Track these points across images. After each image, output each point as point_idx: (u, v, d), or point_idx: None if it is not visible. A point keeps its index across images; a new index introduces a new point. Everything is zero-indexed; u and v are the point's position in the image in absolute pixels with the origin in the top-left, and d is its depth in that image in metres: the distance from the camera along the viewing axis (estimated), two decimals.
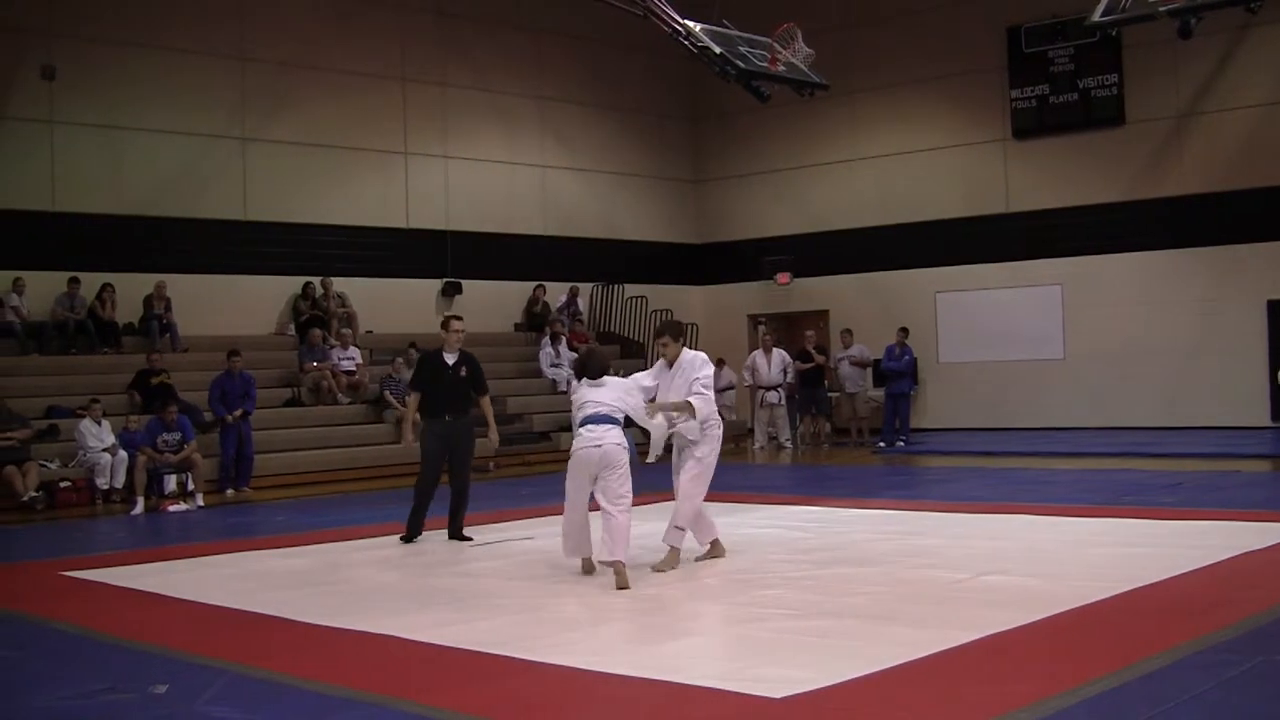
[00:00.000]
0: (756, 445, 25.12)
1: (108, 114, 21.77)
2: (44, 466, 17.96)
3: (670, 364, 10.99)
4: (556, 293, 27.36)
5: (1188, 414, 23.93)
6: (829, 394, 26.05)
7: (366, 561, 11.73)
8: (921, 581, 9.59)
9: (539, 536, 12.68)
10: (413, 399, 13.09)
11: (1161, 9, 16.95)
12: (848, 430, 26.14)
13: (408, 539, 12.73)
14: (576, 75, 28.34)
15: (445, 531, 12.88)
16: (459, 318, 13.37)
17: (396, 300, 25.12)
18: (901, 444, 23.91)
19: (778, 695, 6.39)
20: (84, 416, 18.34)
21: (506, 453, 22.45)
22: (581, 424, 10.26)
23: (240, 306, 23.05)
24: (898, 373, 24.41)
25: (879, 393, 25.27)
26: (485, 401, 13.45)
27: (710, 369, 11.07)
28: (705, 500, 10.88)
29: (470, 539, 12.75)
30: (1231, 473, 17.50)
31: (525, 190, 27.56)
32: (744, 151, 29.90)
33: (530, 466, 22.11)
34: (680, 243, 30.47)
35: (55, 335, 20.63)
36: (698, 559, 10.89)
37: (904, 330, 24.84)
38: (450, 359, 13.03)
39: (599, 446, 10.07)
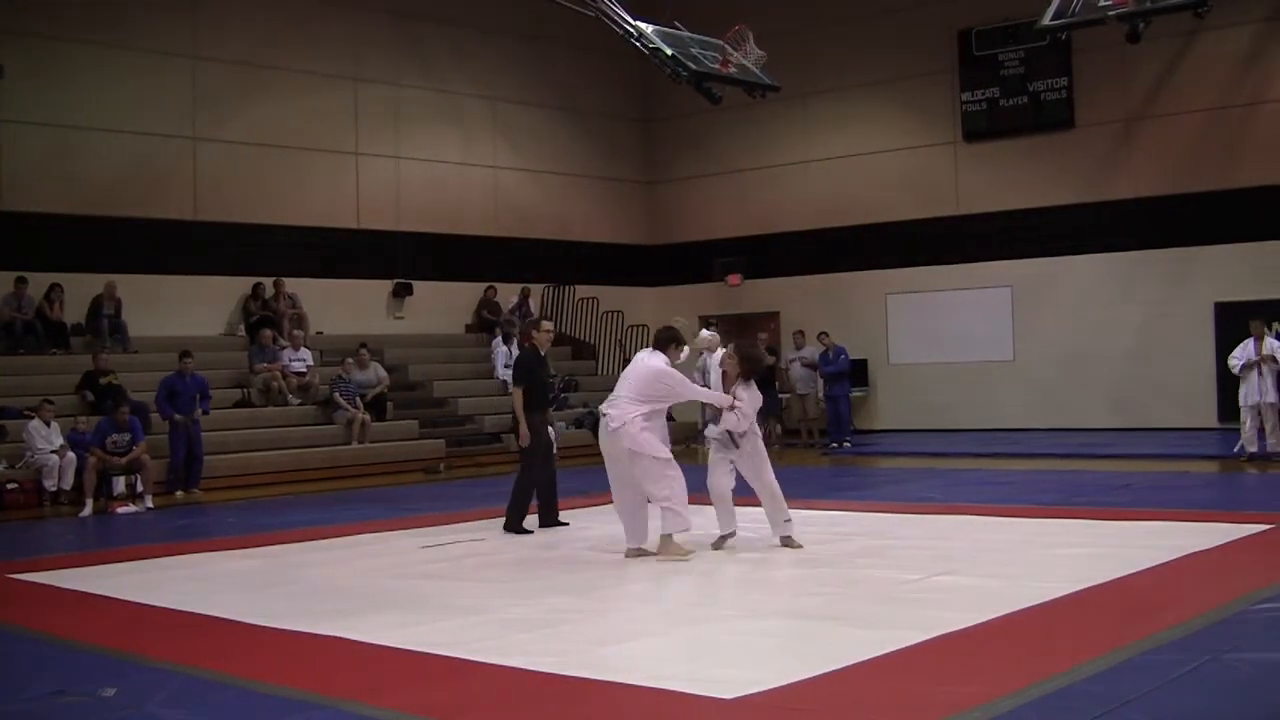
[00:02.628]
0: (706, 447, 25.12)
1: (57, 112, 21.56)
2: None
3: None
4: (507, 293, 27.29)
5: (1137, 415, 24.10)
6: (780, 395, 26.08)
7: (317, 563, 11.68)
8: (872, 582, 9.64)
9: (491, 538, 12.67)
10: (520, 395, 13.18)
11: (1111, 13, 17.06)
12: (798, 431, 26.19)
13: (560, 523, 13.21)
14: (529, 76, 28.29)
15: (401, 533, 12.81)
16: (549, 319, 14.07)
17: (347, 301, 25.04)
18: (848, 445, 23.99)
19: (729, 696, 6.41)
20: (32, 417, 18.18)
21: (458, 454, 22.45)
22: None
23: (190, 307, 22.88)
24: (836, 375, 24.50)
25: None
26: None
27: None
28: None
29: (566, 523, 13.36)
30: (1180, 473, 17.64)
31: (477, 191, 27.49)
32: (696, 153, 29.94)
33: (482, 468, 22.08)
34: (632, 244, 30.48)
35: (2, 335, 20.42)
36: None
37: (824, 334, 25.03)
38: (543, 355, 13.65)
39: None
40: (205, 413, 19.16)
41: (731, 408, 11.24)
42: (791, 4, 27.71)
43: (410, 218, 26.15)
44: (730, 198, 29.40)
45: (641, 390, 11.15)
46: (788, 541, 11.36)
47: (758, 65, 19.22)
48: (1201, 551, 10.49)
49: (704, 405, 11.95)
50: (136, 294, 21.87)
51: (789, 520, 11.45)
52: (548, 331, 13.84)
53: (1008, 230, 25.63)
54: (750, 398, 11.32)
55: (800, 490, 16.94)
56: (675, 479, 10.99)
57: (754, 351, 11.76)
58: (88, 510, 17.14)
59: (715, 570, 10.44)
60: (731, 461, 11.51)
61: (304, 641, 8.23)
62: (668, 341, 11.44)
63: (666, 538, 11.01)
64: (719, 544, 11.52)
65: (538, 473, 13.25)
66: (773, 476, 11.47)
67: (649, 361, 11.26)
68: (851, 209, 27.53)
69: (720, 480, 11.55)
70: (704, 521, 11.68)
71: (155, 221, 22.63)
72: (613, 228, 30.09)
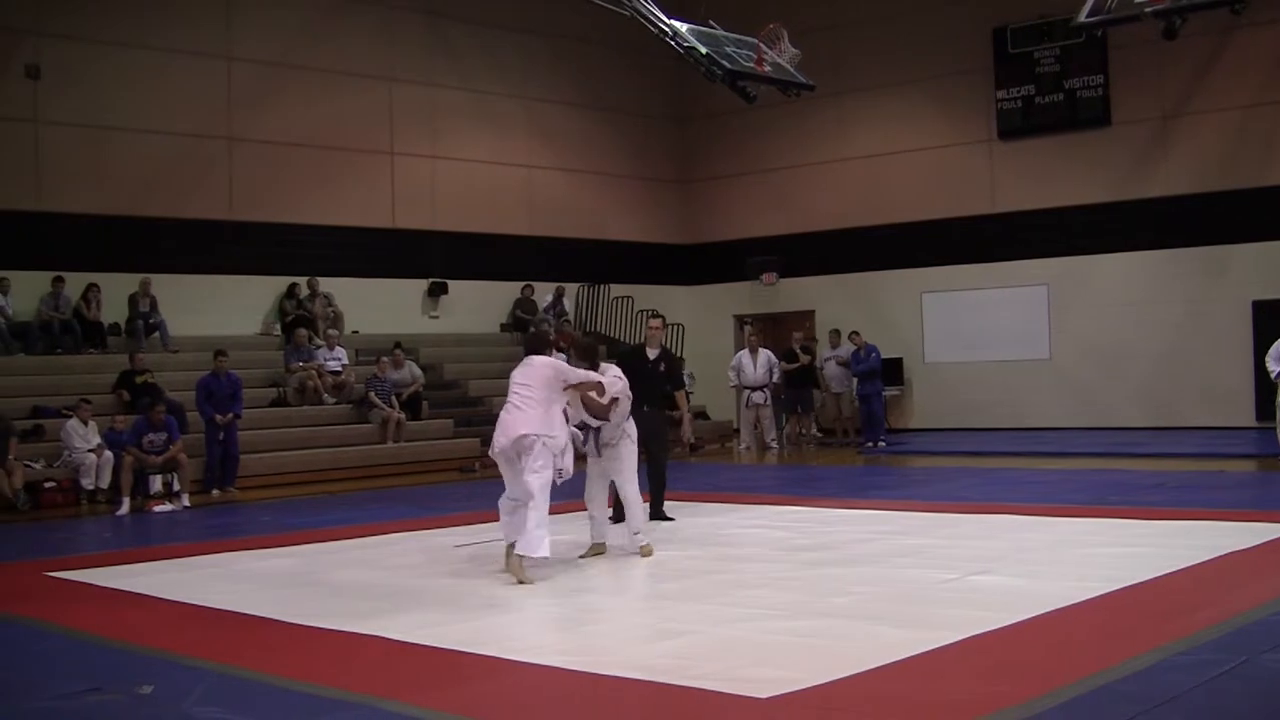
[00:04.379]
0: (742, 445, 25.13)
1: (93, 113, 21.70)
2: (29, 467, 17.92)
3: None
4: (542, 293, 27.34)
5: (1173, 414, 23.99)
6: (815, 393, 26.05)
7: (352, 562, 11.71)
8: (907, 581, 9.60)
9: None
10: None
11: (1147, 10, 17.01)
12: (834, 430, 26.16)
13: (666, 517, 13.26)
14: (563, 76, 28.32)
15: (435, 532, 12.84)
16: (658, 315, 14.47)
17: (382, 300, 25.10)
18: (883, 444, 23.90)
19: (763, 695, 6.40)
20: (69, 417, 18.30)
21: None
22: None
23: (225, 306, 23.01)
24: (867, 373, 24.42)
25: None
26: (680, 396, 14.28)
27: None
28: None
29: (672, 518, 13.39)
30: (1216, 473, 17.53)
31: (512, 190, 27.52)
32: (730, 152, 29.92)
33: None
34: (666, 243, 30.46)
35: (40, 335, 20.57)
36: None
37: (855, 333, 25.03)
38: (651, 354, 13.72)
39: None
40: (237, 415, 19.20)
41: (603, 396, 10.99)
42: (826, 2, 27.64)
43: (445, 217, 26.19)
44: (765, 196, 29.36)
45: (546, 384, 10.74)
46: (644, 549, 11.22)
47: (792, 64, 19.21)
48: (1238, 551, 10.43)
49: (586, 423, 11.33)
50: (172, 294, 21.99)
51: (638, 534, 11.33)
52: (655, 329, 14.06)
53: (1044, 228, 25.53)
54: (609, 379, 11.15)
55: (835, 489, 16.99)
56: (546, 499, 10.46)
57: (586, 339, 11.73)
58: (124, 509, 17.22)
59: (748, 569, 10.41)
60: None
61: (339, 640, 8.26)
62: (543, 345, 11.62)
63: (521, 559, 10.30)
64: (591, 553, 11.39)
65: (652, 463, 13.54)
66: (635, 487, 11.36)
67: (536, 360, 11.05)
68: (886, 207, 27.47)
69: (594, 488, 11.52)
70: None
71: (191, 221, 22.74)
72: (647, 227, 30.09)
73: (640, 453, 12.14)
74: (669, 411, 14.31)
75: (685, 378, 27.11)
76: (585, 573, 10.54)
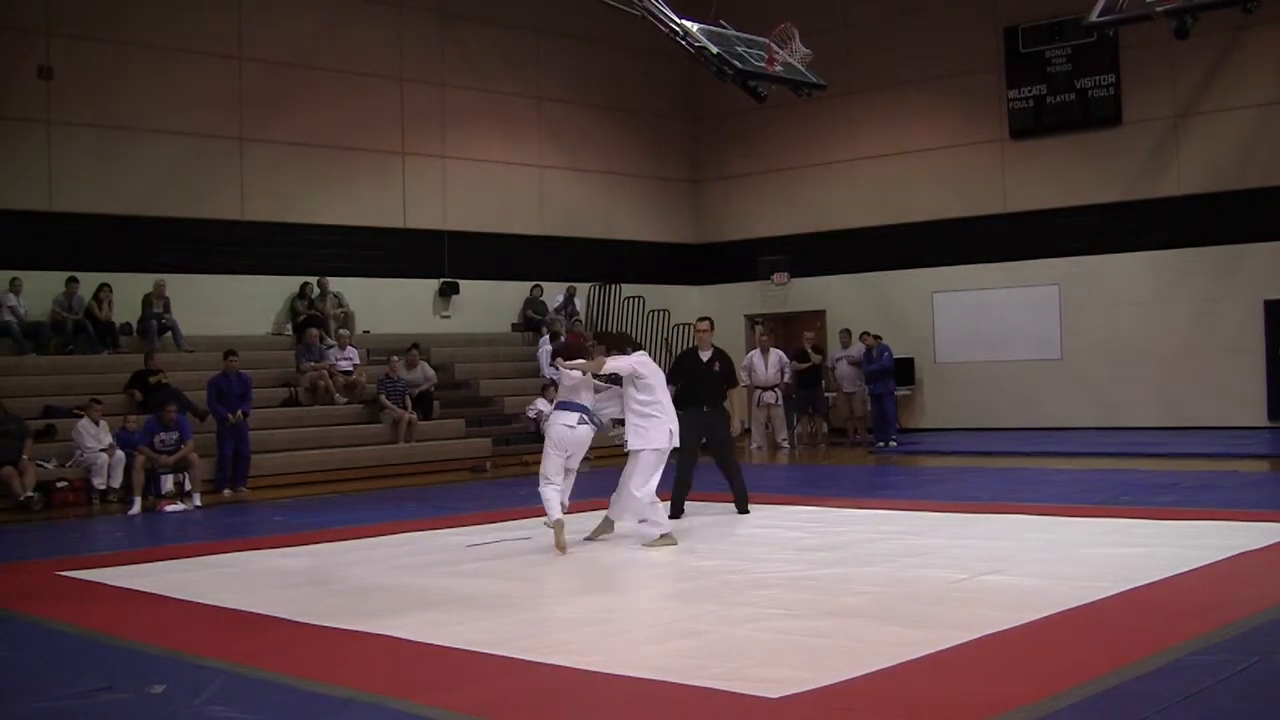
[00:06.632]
0: (753, 445, 25.11)
1: (105, 114, 21.74)
2: (41, 466, 17.94)
3: None
4: (553, 292, 27.35)
5: (1185, 414, 23.95)
6: (826, 394, 26.05)
7: (363, 561, 11.71)
8: (919, 581, 9.59)
9: (536, 536, 12.67)
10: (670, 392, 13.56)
11: (1158, 9, 16.94)
12: (845, 430, 26.14)
13: (675, 516, 13.36)
14: (574, 75, 28.33)
15: (446, 532, 12.85)
16: (707, 319, 14.72)
17: (394, 300, 25.14)
18: (894, 444, 23.87)
19: (774, 695, 6.39)
20: (81, 416, 18.33)
21: (504, 453, 22.46)
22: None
23: (237, 307, 23.05)
24: (879, 373, 24.40)
25: None
26: (733, 393, 14.57)
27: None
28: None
29: (747, 511, 13.97)
30: (1229, 473, 17.50)
31: (523, 190, 27.55)
32: (741, 152, 29.91)
33: (528, 466, 22.06)
34: (677, 243, 30.47)
35: (53, 335, 20.62)
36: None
37: (866, 333, 25.11)
38: (705, 355, 14.14)
39: None
40: (245, 414, 19.21)
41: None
42: (837, 1, 27.66)
43: (457, 217, 26.22)
44: (776, 196, 29.36)
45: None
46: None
47: (803, 63, 19.18)
48: (1251, 551, 10.41)
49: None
50: (184, 294, 22.03)
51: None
52: (703, 331, 14.40)
53: (1055, 228, 25.50)
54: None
55: (846, 489, 16.98)
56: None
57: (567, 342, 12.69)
58: (136, 508, 17.25)
59: (760, 569, 10.39)
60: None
61: (350, 639, 8.26)
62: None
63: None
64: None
65: (686, 466, 13.91)
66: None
67: None
68: (898, 207, 27.46)
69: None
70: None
71: (202, 222, 22.78)
72: (659, 226, 30.09)
73: (699, 451, 13.79)
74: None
75: None
76: (596, 573, 10.53)
